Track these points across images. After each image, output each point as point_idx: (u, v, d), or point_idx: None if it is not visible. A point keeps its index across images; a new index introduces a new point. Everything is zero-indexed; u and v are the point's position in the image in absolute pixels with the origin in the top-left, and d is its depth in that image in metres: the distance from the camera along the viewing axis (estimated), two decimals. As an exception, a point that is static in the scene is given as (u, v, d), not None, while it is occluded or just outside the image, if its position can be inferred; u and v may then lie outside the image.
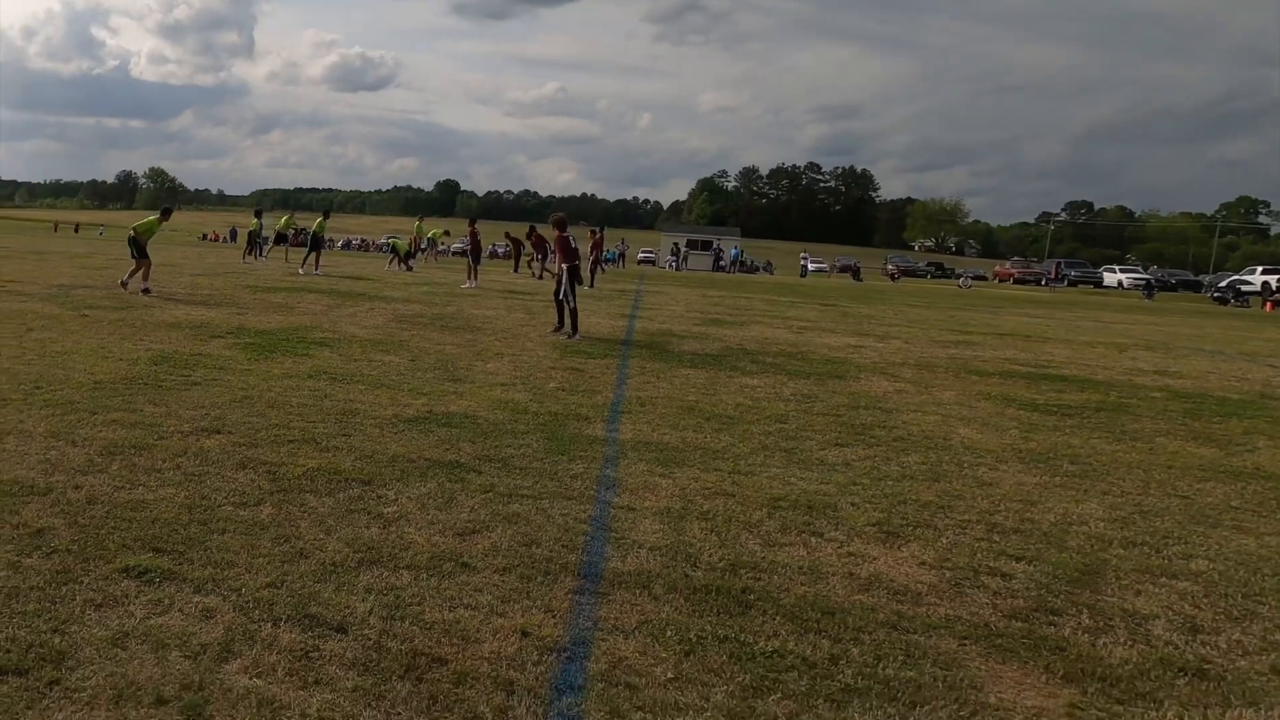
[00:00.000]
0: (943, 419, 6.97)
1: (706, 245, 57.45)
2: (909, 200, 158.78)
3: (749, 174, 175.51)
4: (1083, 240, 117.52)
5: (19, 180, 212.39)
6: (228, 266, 23.01)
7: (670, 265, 52.20)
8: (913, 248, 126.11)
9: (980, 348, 12.25)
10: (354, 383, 7.15)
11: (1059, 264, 55.74)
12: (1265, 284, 38.16)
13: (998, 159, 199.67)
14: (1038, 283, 51.07)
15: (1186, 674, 2.93)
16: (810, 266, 56.06)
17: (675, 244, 56.04)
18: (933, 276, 60.61)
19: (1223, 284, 39.79)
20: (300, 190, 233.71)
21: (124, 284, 13.91)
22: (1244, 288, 37.51)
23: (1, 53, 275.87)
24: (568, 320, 10.78)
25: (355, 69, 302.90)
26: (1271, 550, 4.21)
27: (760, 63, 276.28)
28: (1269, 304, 33.19)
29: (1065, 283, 50.61)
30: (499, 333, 10.80)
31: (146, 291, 13.33)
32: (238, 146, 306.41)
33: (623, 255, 51.05)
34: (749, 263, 56.59)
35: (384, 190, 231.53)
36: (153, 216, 14.37)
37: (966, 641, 3.10)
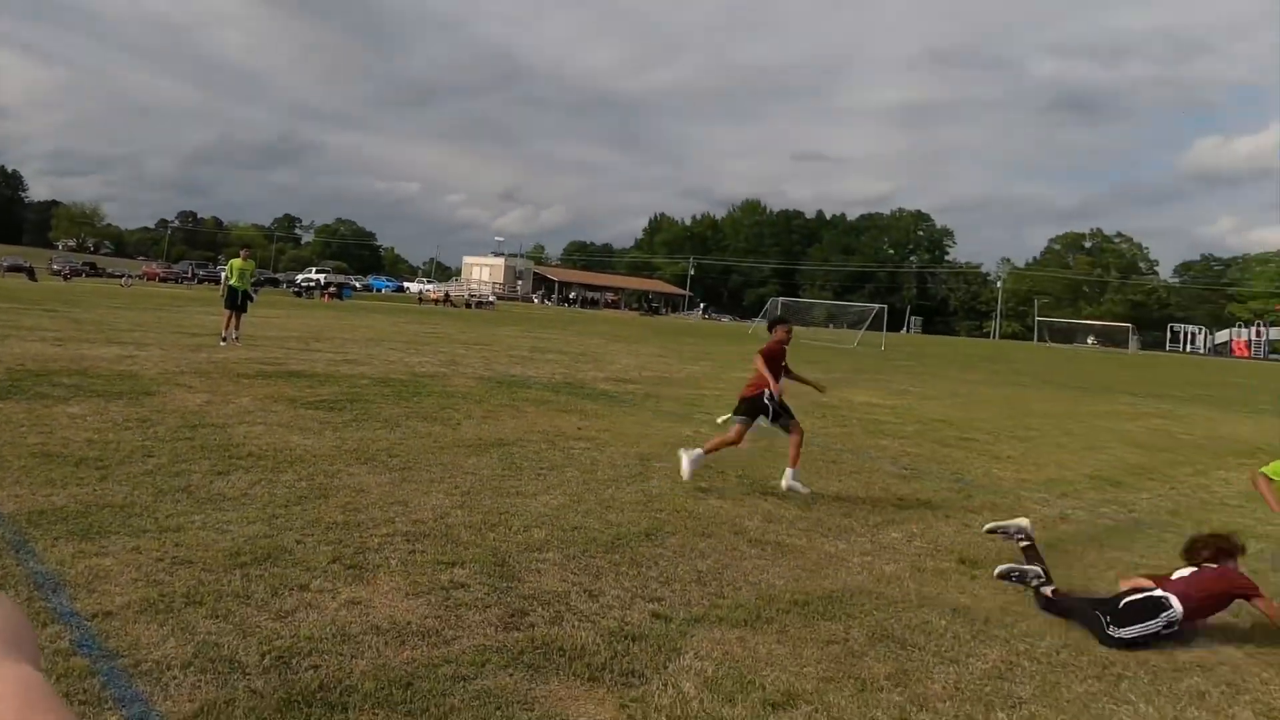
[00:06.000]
0: None
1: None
2: (54, 202, 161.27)
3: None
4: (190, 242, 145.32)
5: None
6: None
7: None
8: (56, 246, 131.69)
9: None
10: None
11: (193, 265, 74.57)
12: (318, 281, 64.42)
13: (128, 170, 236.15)
14: (177, 281, 63.56)
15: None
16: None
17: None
18: (88, 275, 62.60)
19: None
20: None
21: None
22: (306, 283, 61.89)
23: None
24: None
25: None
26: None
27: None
28: (325, 295, 49.91)
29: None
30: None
31: None
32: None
33: None
34: None
35: None
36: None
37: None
